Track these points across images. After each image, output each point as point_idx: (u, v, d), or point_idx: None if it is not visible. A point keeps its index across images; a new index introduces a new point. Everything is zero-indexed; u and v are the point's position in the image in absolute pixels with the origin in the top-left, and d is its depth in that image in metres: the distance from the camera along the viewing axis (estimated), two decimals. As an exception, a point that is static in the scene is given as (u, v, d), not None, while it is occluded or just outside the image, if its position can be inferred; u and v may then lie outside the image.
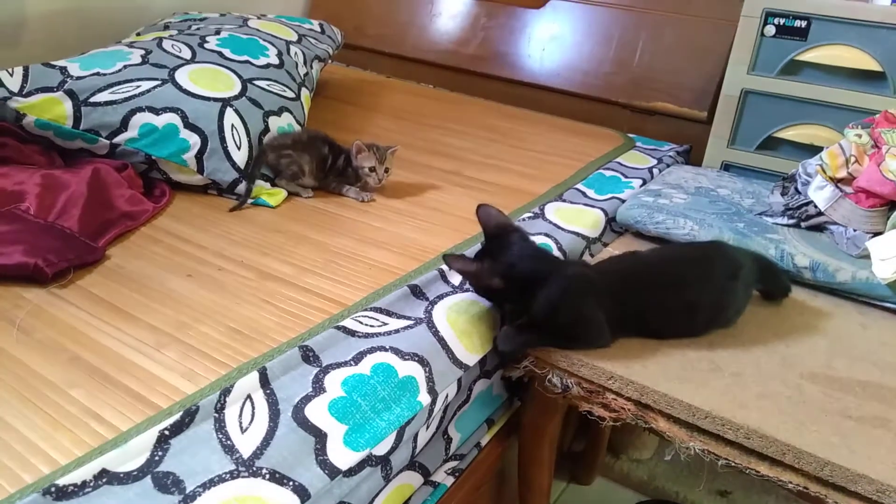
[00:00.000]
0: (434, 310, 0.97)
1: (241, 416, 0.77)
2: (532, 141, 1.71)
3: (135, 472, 0.69)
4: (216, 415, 0.77)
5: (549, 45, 1.99)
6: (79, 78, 1.31)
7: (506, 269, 0.94)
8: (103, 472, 0.69)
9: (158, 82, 1.35)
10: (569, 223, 1.25)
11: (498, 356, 1.02)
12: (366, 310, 0.98)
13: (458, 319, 0.96)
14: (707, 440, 0.86)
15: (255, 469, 0.71)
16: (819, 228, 1.22)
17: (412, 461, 0.93)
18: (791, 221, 1.24)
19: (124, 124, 1.29)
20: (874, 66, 1.34)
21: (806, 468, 0.79)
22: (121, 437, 0.74)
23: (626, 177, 1.50)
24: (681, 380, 0.89)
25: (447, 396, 0.93)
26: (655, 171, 1.54)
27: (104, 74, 1.34)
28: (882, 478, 0.74)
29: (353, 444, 0.77)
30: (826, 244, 1.17)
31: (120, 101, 1.30)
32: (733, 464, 0.84)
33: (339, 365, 0.86)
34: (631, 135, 1.80)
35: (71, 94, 1.29)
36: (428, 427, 0.93)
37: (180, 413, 0.75)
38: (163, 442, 0.73)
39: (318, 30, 1.93)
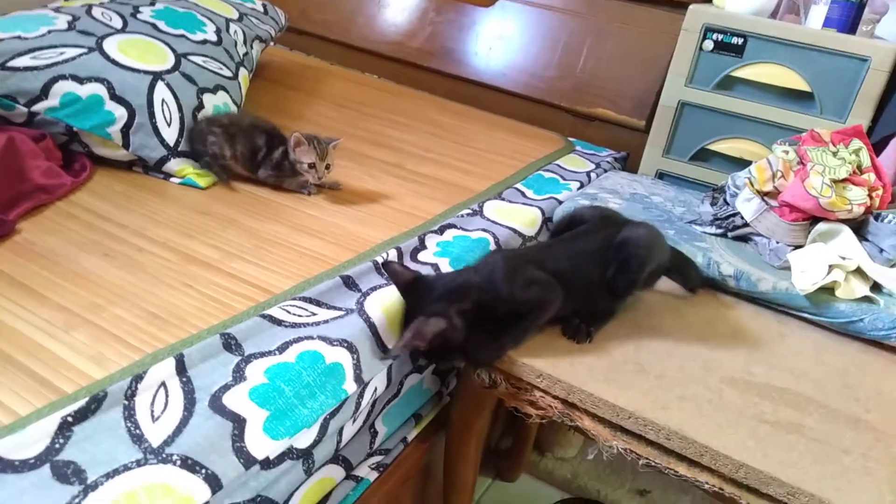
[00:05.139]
0: (366, 301, 0.95)
1: (153, 404, 0.73)
2: (474, 138, 1.71)
3: (31, 460, 0.65)
4: (126, 402, 0.73)
5: (496, 44, 1.99)
6: (-3, 40, 1.23)
7: (468, 299, 0.90)
8: (-4, 460, 0.64)
9: (84, 50, 1.27)
10: (506, 220, 1.25)
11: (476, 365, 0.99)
12: (294, 299, 0.95)
13: (391, 308, 0.94)
14: (629, 440, 0.87)
15: (164, 455, 0.67)
16: (744, 239, 1.26)
17: (335, 454, 0.90)
18: (718, 231, 1.28)
19: (45, 92, 1.22)
20: (804, 86, 1.40)
21: (722, 469, 0.81)
22: (19, 422, 0.69)
23: (565, 179, 1.51)
24: (607, 380, 0.90)
25: (376, 390, 0.91)
26: (593, 175, 1.56)
27: (25, 38, 1.26)
28: (793, 481, 0.77)
29: (272, 431, 0.74)
30: (750, 254, 1.21)
31: (41, 68, 1.23)
32: (653, 463, 0.85)
33: (262, 354, 0.83)
34: (571, 139, 1.82)
35: (-13, 56, 1.20)
36: (354, 421, 0.91)
37: (86, 399, 0.71)
38: (65, 429, 0.68)
39: (261, 10, 1.87)
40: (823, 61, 1.37)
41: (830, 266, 1.08)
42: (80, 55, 1.26)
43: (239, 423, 0.73)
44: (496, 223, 1.24)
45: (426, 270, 1.05)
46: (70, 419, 0.69)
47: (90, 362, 0.79)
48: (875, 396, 0.94)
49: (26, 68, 1.22)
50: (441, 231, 1.19)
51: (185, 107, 1.31)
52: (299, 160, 1.25)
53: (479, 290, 0.91)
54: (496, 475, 1.56)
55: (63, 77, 1.23)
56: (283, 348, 0.84)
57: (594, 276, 0.99)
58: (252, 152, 1.29)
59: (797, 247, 1.18)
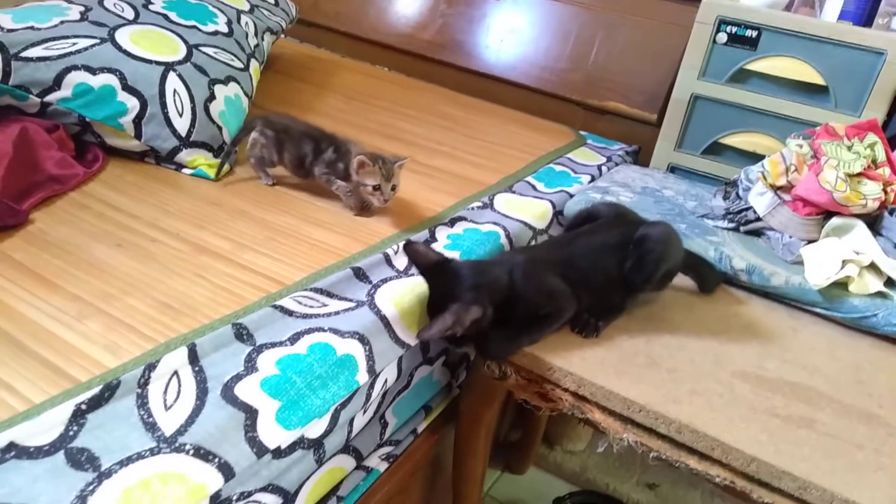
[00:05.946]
0: (377, 293, 0.95)
1: (165, 392, 0.73)
2: (485, 131, 1.70)
3: (46, 447, 0.66)
4: (139, 390, 0.73)
5: (507, 36, 1.98)
6: (10, 31, 1.24)
7: (494, 291, 0.91)
8: (11, 446, 0.65)
9: (97, 41, 1.28)
10: (516, 213, 1.25)
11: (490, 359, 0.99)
12: (305, 290, 0.95)
13: (403, 300, 0.94)
14: (640, 433, 0.87)
15: (177, 445, 0.68)
16: (757, 233, 1.25)
17: (346, 445, 0.91)
18: (731, 225, 1.27)
19: (57, 82, 1.22)
20: (818, 79, 1.38)
21: (733, 463, 0.80)
22: (33, 409, 0.69)
23: (576, 172, 1.50)
24: (618, 373, 0.90)
25: (386, 381, 0.91)
26: (604, 168, 1.55)
27: (39, 29, 1.27)
28: (804, 475, 0.77)
29: (285, 421, 0.75)
30: (763, 249, 1.21)
31: (54, 58, 1.23)
32: (664, 457, 0.85)
33: (273, 345, 0.83)
34: (582, 132, 1.81)
35: (1, 47, 1.20)
36: (365, 412, 0.91)
37: (99, 387, 0.71)
38: (79, 416, 0.69)
39: (272, 2, 1.87)
40: (838, 55, 1.35)
41: (844, 261, 1.08)
42: (93, 46, 1.26)
43: (251, 413, 0.73)
44: (507, 216, 1.23)
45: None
46: (84, 407, 0.69)
47: (103, 351, 0.79)
48: (888, 392, 0.94)
49: (39, 59, 1.22)
50: (452, 224, 1.19)
51: (196, 97, 1.31)
52: (363, 182, 1.16)
53: (508, 288, 0.92)
54: (505, 467, 1.57)
55: (76, 67, 1.23)
56: (294, 339, 0.84)
57: (610, 271, 1.00)
58: (299, 159, 1.25)
59: (810, 241, 1.17)
